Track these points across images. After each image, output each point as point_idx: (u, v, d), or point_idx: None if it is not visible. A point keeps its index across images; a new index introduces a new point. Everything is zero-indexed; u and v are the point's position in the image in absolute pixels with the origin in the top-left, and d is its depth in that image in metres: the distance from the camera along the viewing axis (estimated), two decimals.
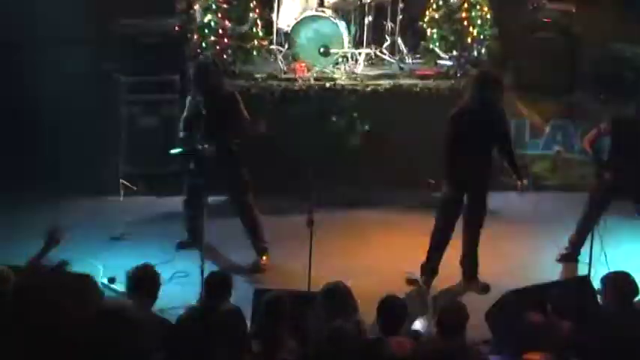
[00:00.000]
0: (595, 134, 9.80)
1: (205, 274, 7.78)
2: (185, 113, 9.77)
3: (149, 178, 11.61)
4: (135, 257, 8.73)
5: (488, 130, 9.21)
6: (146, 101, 11.64)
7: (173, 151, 10.86)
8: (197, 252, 9.12)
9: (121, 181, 11.53)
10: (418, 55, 12.41)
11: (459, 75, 11.82)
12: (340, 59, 12.08)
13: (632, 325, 7.08)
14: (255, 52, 11.94)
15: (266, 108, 11.23)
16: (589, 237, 9.26)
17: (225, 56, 11.65)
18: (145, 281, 7.15)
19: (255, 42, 11.95)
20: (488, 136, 9.26)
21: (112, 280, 9.26)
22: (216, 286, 7.22)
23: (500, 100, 9.30)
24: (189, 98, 9.75)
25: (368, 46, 12.23)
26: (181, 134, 9.78)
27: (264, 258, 9.91)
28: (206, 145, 9.40)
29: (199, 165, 9.55)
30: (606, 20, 12.44)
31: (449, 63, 11.94)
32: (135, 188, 11.53)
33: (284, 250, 9.95)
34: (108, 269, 9.44)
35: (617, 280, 7.38)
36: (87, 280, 7.79)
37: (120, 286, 8.87)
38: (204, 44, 11.63)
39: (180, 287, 9.15)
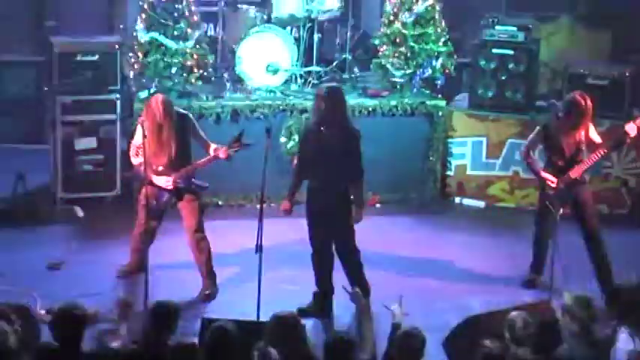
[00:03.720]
0: (530, 143, 9.49)
1: (150, 304, 7.40)
2: (134, 140, 9.36)
3: (88, 203, 11.22)
4: (74, 287, 8.55)
5: (327, 150, 8.76)
6: (84, 122, 11.22)
7: (126, 175, 10.62)
8: (140, 281, 8.79)
9: (57, 206, 11.16)
10: (370, 73, 12.22)
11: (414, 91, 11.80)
12: (289, 77, 11.82)
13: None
14: (199, 71, 11.51)
15: (212, 129, 10.88)
16: (548, 256, 9.10)
17: (168, 75, 11.28)
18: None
19: (200, 60, 11.51)
20: (328, 156, 8.77)
21: (49, 312, 8.68)
22: (163, 317, 6.83)
23: (335, 119, 8.80)
24: (139, 125, 9.16)
25: (317, 63, 11.96)
26: (134, 160, 9.40)
27: (211, 286, 9.56)
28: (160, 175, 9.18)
29: (153, 190, 9.27)
30: (564, 36, 12.42)
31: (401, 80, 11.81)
32: (73, 214, 11.11)
33: (232, 278, 9.72)
34: (45, 300, 9.02)
35: (570, 308, 7.03)
36: (24, 312, 7.52)
37: None
38: (145, 63, 11.26)
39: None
